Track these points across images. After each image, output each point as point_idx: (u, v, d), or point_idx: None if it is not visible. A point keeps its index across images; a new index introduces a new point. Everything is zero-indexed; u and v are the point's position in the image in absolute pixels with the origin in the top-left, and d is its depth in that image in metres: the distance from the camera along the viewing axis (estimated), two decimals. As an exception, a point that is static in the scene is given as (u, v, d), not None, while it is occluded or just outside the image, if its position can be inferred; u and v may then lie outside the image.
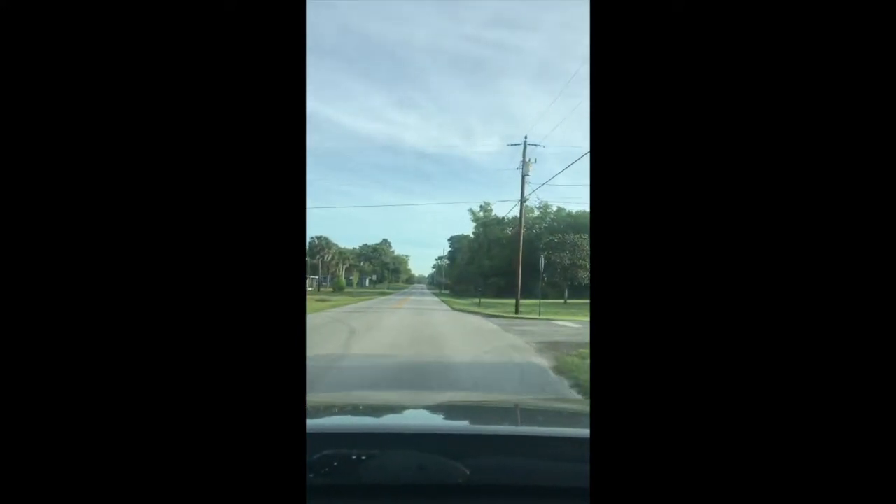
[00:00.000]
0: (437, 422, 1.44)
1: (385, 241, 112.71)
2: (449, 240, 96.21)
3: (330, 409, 1.49)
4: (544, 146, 50.71)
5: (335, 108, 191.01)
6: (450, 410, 1.60)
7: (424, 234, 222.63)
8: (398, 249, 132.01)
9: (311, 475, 0.87)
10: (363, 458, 0.89)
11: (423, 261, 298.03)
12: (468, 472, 0.88)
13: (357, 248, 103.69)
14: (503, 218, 54.64)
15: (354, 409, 1.56)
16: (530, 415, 1.62)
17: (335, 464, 0.89)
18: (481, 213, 58.44)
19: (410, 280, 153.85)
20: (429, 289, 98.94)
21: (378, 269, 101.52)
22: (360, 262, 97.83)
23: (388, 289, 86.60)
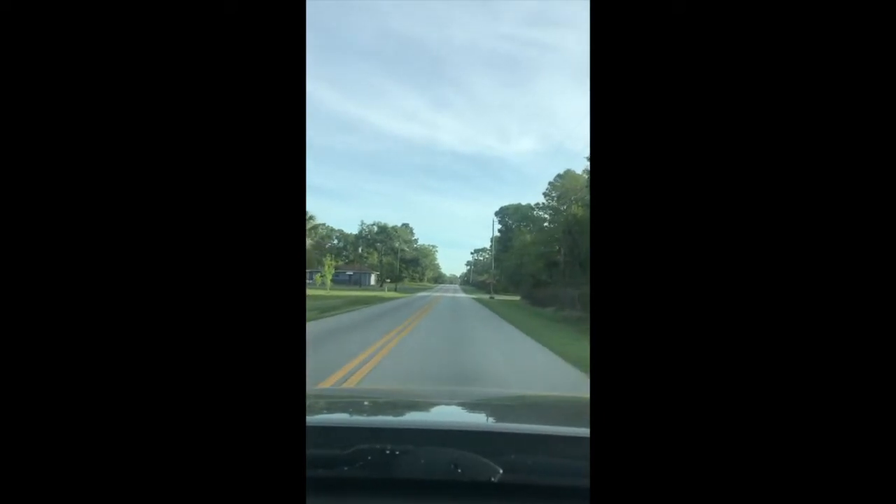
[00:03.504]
0: (470, 419, 1.48)
1: (406, 225, 79.99)
2: (497, 213, 61.87)
3: (361, 403, 1.53)
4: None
5: (372, 110, 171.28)
6: (483, 407, 1.64)
7: (457, 233, 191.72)
8: (422, 240, 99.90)
9: (346, 468, 0.93)
10: (397, 452, 0.93)
11: (452, 261, 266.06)
12: (501, 471, 0.91)
13: (359, 230, 71.08)
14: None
15: (386, 405, 1.61)
16: (561, 412, 1.62)
17: (369, 458, 0.93)
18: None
19: (440, 279, 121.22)
20: (464, 290, 66.21)
21: (390, 258, 68.39)
22: (358, 249, 65.17)
23: (398, 290, 52.63)
